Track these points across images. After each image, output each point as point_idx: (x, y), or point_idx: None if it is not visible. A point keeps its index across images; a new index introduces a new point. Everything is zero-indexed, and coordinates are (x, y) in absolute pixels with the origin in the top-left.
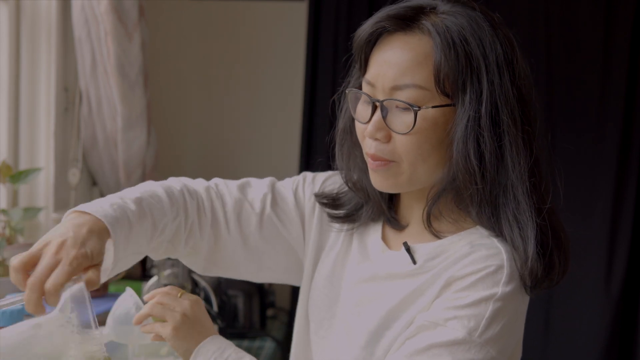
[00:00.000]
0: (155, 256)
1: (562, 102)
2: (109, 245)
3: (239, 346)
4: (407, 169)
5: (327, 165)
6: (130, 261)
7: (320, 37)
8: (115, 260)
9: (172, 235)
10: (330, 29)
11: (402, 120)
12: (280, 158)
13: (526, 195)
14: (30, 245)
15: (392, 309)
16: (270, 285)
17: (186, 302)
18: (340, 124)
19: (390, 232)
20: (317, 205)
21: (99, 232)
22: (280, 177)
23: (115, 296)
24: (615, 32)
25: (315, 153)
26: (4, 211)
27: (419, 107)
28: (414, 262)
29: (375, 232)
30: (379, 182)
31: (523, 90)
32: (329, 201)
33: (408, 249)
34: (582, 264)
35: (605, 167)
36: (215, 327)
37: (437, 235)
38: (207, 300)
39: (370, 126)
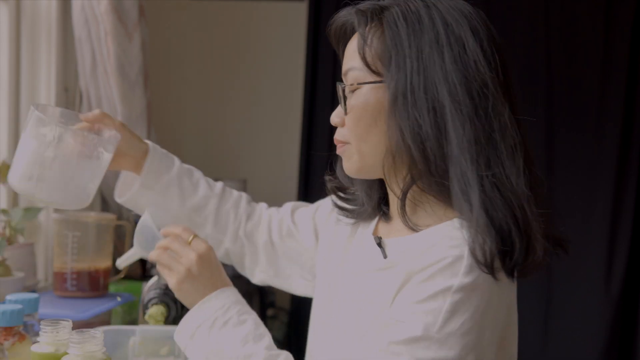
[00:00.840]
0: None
1: (562, 101)
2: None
3: None
4: (355, 150)
5: (327, 162)
6: (156, 202)
7: (320, 37)
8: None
9: (223, 225)
10: None
11: (344, 102)
12: (280, 158)
13: (471, 171)
14: (30, 245)
15: (361, 304)
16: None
17: (193, 255)
18: None
19: (382, 227)
20: (330, 216)
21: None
22: (280, 177)
23: (115, 296)
24: (615, 32)
25: (316, 153)
26: (4, 211)
27: (352, 86)
28: (385, 256)
29: (371, 226)
30: (345, 167)
31: (470, 69)
32: (340, 187)
33: (379, 243)
34: (582, 264)
35: (605, 166)
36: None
37: (414, 228)
38: None
39: (332, 114)
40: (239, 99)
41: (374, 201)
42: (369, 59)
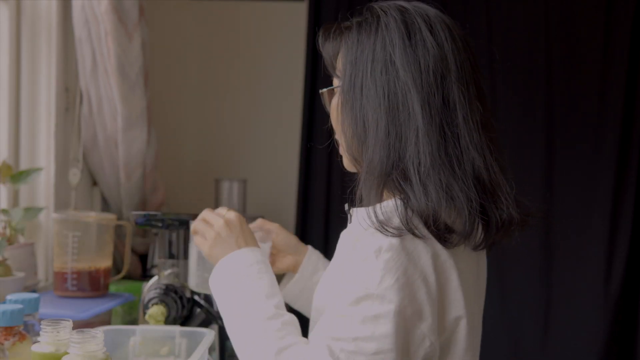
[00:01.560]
0: None
1: (562, 102)
2: None
3: None
4: (342, 147)
5: (327, 163)
6: None
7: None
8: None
9: None
10: None
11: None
12: (280, 158)
13: (384, 164)
14: (30, 245)
15: (330, 269)
16: None
17: (221, 221)
18: None
19: None
20: None
21: None
22: (280, 177)
23: (115, 296)
24: (615, 32)
25: (316, 153)
26: (4, 211)
27: (321, 89)
28: (350, 221)
29: None
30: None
31: (401, 71)
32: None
33: (348, 210)
34: (582, 264)
35: (605, 167)
36: (215, 327)
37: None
38: (207, 300)
39: None
40: (239, 99)
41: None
42: (332, 66)
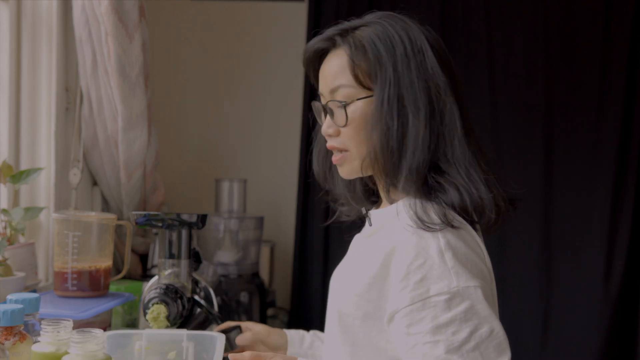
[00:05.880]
0: None
1: (561, 102)
2: None
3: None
4: (356, 155)
5: None
6: None
7: None
8: None
9: None
10: None
11: (341, 116)
12: (281, 158)
13: (416, 159)
14: (31, 245)
15: (352, 266)
16: (271, 284)
17: None
18: (317, 134)
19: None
20: None
21: None
22: (280, 177)
23: (115, 295)
24: (614, 32)
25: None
26: (5, 211)
27: (346, 102)
28: (370, 224)
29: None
30: (342, 171)
31: (430, 77)
32: (336, 202)
33: (366, 214)
34: (582, 264)
35: (605, 167)
36: (215, 327)
37: (390, 201)
38: (207, 299)
39: (323, 126)
40: (239, 99)
41: (359, 194)
42: (360, 77)
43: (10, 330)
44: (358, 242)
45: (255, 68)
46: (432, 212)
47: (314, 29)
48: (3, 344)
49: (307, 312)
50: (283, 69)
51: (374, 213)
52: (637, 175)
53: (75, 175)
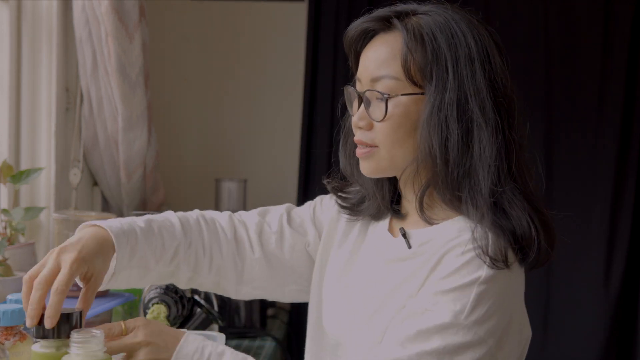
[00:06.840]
0: (179, 283)
1: (561, 102)
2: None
3: (239, 346)
4: (386, 154)
5: (327, 163)
6: (137, 275)
7: (320, 37)
8: (118, 269)
9: (194, 263)
10: (330, 29)
11: (379, 109)
12: (281, 158)
13: (488, 180)
14: (31, 245)
15: (389, 292)
16: None
17: (140, 333)
18: (346, 123)
19: (396, 223)
20: (332, 214)
21: (101, 240)
22: (280, 177)
23: (115, 295)
24: (614, 32)
25: (316, 153)
26: (5, 211)
27: (389, 95)
28: (409, 246)
29: (384, 224)
30: (365, 168)
31: (497, 84)
32: (339, 187)
33: (404, 234)
34: (581, 264)
35: (604, 166)
36: (215, 327)
37: (429, 221)
38: (207, 299)
39: (355, 116)
40: (239, 99)
41: (387, 200)
42: (411, 70)
43: (10, 330)
44: (381, 267)
45: (255, 68)
46: (494, 245)
47: (314, 29)
48: (3, 344)
49: (307, 312)
50: (283, 69)
51: (414, 234)
52: (637, 175)
53: (75, 175)
